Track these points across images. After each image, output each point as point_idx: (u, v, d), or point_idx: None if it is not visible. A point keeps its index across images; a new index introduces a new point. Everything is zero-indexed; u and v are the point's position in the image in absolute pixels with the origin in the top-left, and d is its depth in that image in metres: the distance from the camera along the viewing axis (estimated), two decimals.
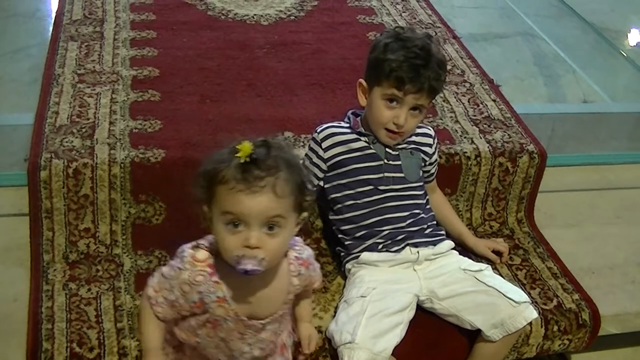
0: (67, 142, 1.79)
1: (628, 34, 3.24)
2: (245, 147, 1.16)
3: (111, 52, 2.22)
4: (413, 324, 1.59)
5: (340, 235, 1.72)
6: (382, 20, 2.63)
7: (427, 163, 1.76)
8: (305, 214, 1.25)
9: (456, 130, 2.03)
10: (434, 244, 1.69)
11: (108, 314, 1.60)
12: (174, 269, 1.26)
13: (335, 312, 1.62)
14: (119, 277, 1.70)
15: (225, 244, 1.19)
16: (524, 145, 2.01)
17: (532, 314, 1.59)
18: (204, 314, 1.27)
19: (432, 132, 1.78)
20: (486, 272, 1.66)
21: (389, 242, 1.66)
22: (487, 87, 2.28)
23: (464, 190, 1.99)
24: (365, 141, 1.68)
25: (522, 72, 2.65)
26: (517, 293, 1.61)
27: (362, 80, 1.67)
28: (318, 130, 1.71)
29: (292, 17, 2.58)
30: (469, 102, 2.18)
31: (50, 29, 2.37)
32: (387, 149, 1.68)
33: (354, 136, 1.69)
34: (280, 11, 2.61)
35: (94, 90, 2.02)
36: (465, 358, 1.66)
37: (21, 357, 1.50)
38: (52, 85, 2.02)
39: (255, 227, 1.16)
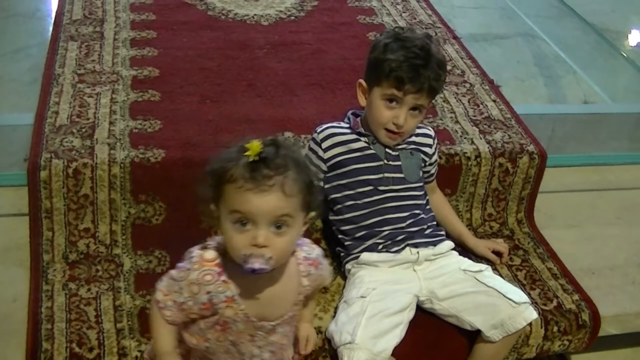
0: (67, 142, 1.79)
1: (628, 35, 3.25)
2: (254, 146, 1.15)
3: (111, 52, 2.22)
4: (413, 324, 1.59)
5: (340, 236, 1.71)
6: (382, 21, 2.63)
7: (427, 163, 1.75)
8: (313, 213, 1.25)
9: (456, 131, 2.03)
10: (434, 244, 1.69)
11: (108, 314, 1.60)
12: (183, 270, 1.25)
13: (335, 312, 1.62)
14: (119, 277, 1.70)
15: (233, 242, 1.18)
16: (524, 146, 2.00)
17: (532, 314, 1.59)
18: (213, 316, 1.26)
19: (432, 133, 1.78)
20: (486, 272, 1.66)
21: (389, 242, 1.66)
22: (487, 87, 2.27)
23: (464, 190, 1.99)
24: (365, 141, 1.68)
25: (522, 73, 2.65)
26: (517, 294, 1.61)
27: (361, 81, 1.67)
28: (318, 131, 1.71)
29: (292, 18, 2.58)
30: (469, 102, 2.18)
31: (50, 29, 2.37)
32: (387, 150, 1.68)
33: (354, 136, 1.69)
34: (281, 11, 2.61)
35: (94, 90, 2.02)
36: (465, 358, 1.66)
37: (21, 357, 1.50)
38: (52, 85, 2.02)
39: (263, 226, 1.16)
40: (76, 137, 1.81)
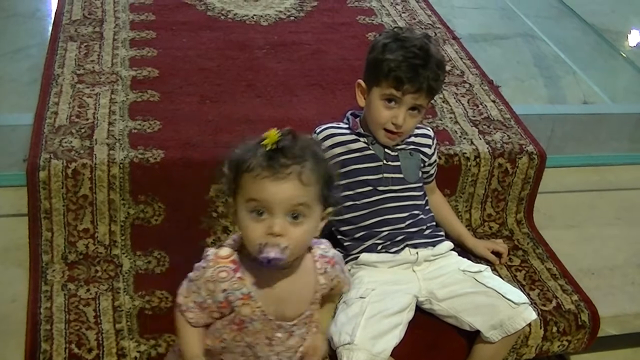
0: (66, 142, 1.79)
1: (628, 35, 3.25)
2: (272, 135, 1.15)
3: (110, 52, 2.22)
4: (412, 325, 1.59)
5: (339, 236, 1.71)
6: (382, 21, 2.63)
7: (427, 164, 1.75)
8: (330, 209, 1.24)
9: (455, 131, 2.03)
10: (433, 244, 1.69)
11: (107, 315, 1.60)
12: (199, 269, 1.25)
13: (334, 313, 1.62)
14: (118, 278, 1.70)
15: (248, 232, 1.18)
16: (523, 146, 2.00)
17: (531, 315, 1.59)
18: (230, 314, 1.25)
19: (431, 133, 1.78)
20: (485, 273, 1.66)
21: (388, 243, 1.66)
22: (486, 88, 2.27)
23: (463, 191, 1.99)
24: (364, 142, 1.68)
25: (522, 73, 2.65)
26: (517, 294, 1.60)
27: (360, 81, 1.67)
28: (317, 131, 1.71)
29: (292, 18, 2.58)
30: (468, 103, 2.18)
31: (50, 29, 2.37)
32: (386, 150, 1.68)
33: (353, 137, 1.69)
34: (280, 12, 2.61)
35: (93, 90, 2.02)
36: (464, 359, 1.66)
37: (20, 358, 1.50)
38: (52, 86, 2.02)
39: (279, 214, 1.15)
40: (75, 138, 1.81)
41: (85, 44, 2.26)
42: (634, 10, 3.43)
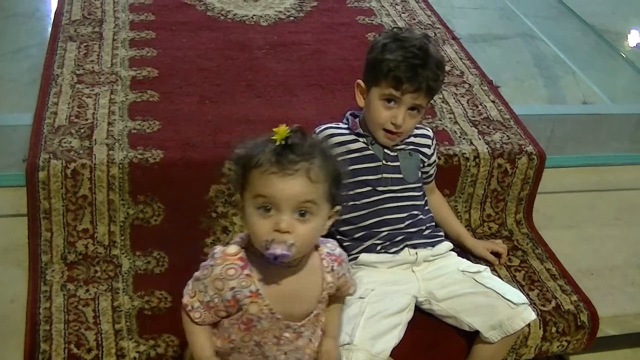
0: (65, 142, 1.79)
1: (628, 36, 3.24)
2: (281, 131, 1.16)
3: (110, 52, 2.22)
4: (411, 325, 1.59)
5: (338, 237, 1.71)
6: (382, 21, 2.62)
7: (426, 164, 1.75)
8: (338, 207, 1.24)
9: (455, 132, 2.03)
10: (433, 245, 1.69)
11: (106, 315, 1.60)
12: (206, 268, 1.25)
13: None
14: (117, 278, 1.70)
15: (255, 228, 1.18)
16: (522, 147, 2.00)
17: (531, 315, 1.59)
18: (237, 313, 1.25)
19: (430, 133, 1.78)
20: (485, 273, 1.66)
21: (388, 243, 1.66)
22: (486, 88, 2.28)
23: (462, 191, 1.99)
24: (364, 142, 1.68)
25: (522, 74, 2.65)
26: (516, 294, 1.60)
27: (360, 81, 1.67)
28: (317, 131, 1.71)
29: (292, 18, 2.58)
30: (468, 103, 2.18)
31: (50, 29, 2.37)
32: (385, 150, 1.68)
33: (353, 137, 1.69)
34: (280, 12, 2.61)
35: (93, 90, 2.02)
36: (463, 359, 1.66)
37: (19, 358, 1.50)
38: (51, 86, 2.02)
39: (286, 211, 1.16)
40: (75, 138, 1.81)
41: (84, 44, 2.26)
42: (634, 11, 3.43)
